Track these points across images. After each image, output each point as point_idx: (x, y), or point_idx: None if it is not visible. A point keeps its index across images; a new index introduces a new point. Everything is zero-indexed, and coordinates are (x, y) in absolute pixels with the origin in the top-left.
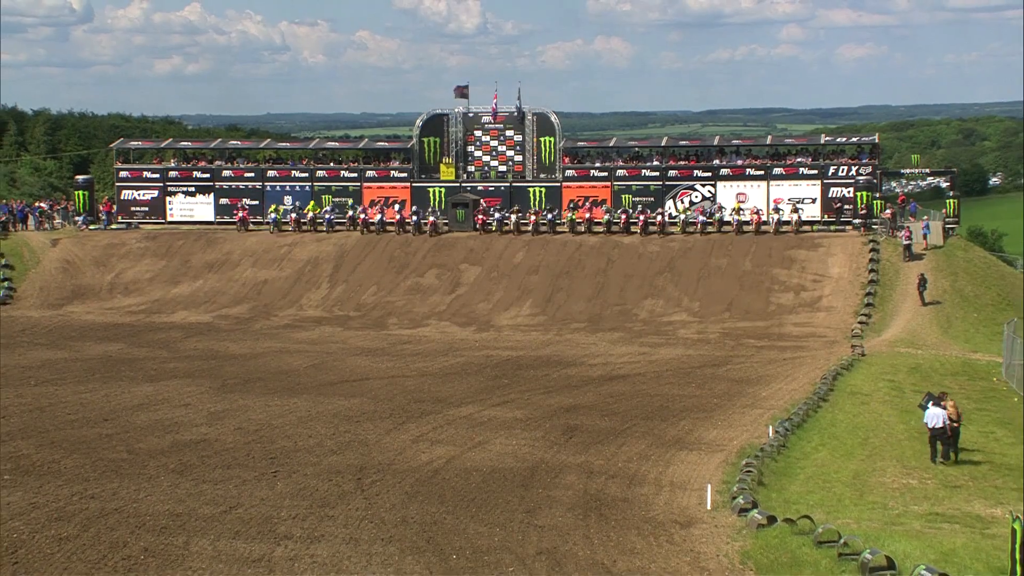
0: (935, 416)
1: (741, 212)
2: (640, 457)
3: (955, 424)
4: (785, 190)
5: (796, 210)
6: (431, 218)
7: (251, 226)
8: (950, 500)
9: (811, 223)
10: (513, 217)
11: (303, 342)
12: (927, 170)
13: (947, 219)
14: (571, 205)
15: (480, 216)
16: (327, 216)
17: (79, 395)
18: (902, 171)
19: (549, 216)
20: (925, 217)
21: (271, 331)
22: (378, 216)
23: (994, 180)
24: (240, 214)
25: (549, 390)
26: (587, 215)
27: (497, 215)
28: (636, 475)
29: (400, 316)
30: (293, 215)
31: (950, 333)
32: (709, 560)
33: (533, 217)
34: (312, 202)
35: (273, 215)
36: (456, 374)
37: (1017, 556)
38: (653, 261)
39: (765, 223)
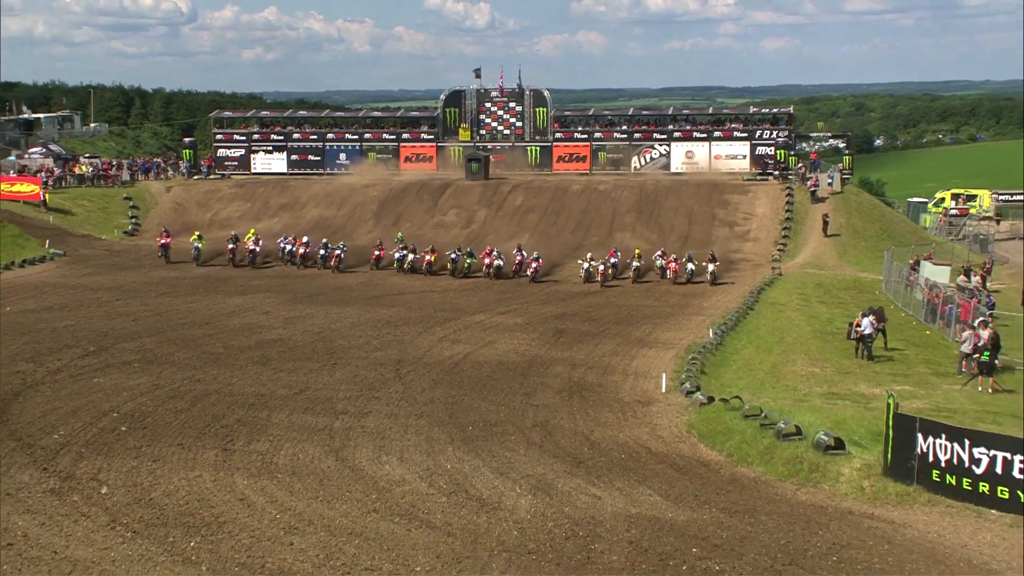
0: (867, 325)
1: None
2: (612, 353)
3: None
4: (723, 148)
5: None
6: (336, 252)
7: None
8: (843, 383)
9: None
10: None
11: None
12: (829, 134)
13: (844, 171)
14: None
15: None
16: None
17: (187, 304)
18: (810, 135)
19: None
20: (829, 170)
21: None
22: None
23: (878, 142)
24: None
25: (543, 302)
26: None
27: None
28: (608, 366)
29: (426, 245)
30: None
31: (845, 258)
32: (663, 430)
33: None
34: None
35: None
36: (470, 290)
37: (889, 423)
38: (623, 203)
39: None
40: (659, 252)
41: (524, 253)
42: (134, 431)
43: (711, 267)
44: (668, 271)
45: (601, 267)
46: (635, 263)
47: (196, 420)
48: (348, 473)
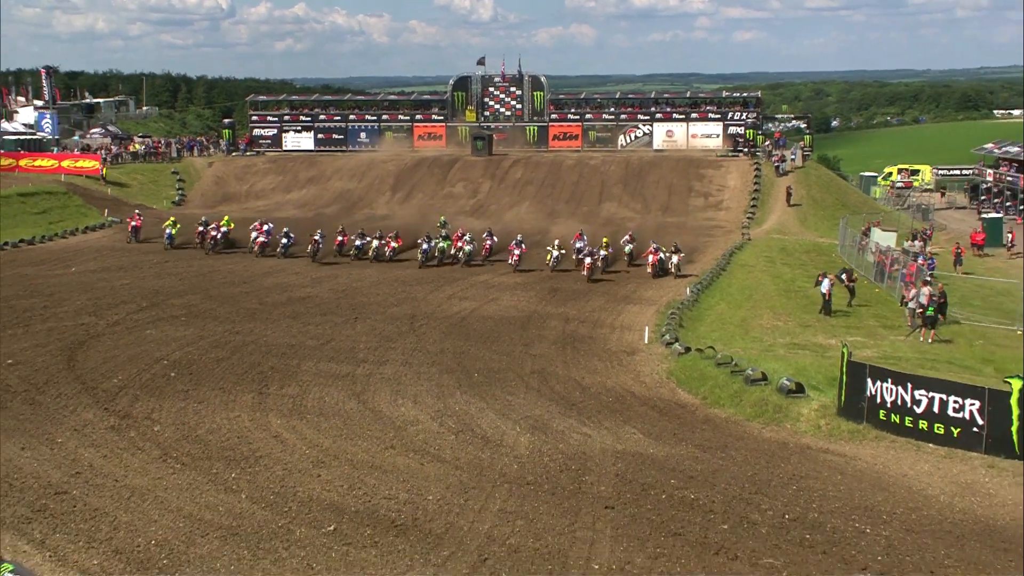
0: (826, 284)
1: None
2: (600, 309)
3: (847, 283)
4: (699, 128)
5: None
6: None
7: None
8: (803, 335)
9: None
10: None
11: (376, 229)
12: (792, 116)
13: (805, 148)
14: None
15: None
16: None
17: (227, 266)
18: (775, 116)
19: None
20: (791, 147)
21: (352, 223)
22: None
23: (834, 123)
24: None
25: (540, 264)
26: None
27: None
28: (598, 321)
29: (436, 214)
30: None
31: (805, 225)
32: (646, 376)
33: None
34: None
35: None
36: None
37: (843, 369)
38: (610, 176)
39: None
40: (627, 237)
41: (495, 238)
42: (182, 376)
43: (675, 258)
44: (647, 264)
45: (577, 256)
46: (602, 251)
47: (235, 367)
48: (368, 414)
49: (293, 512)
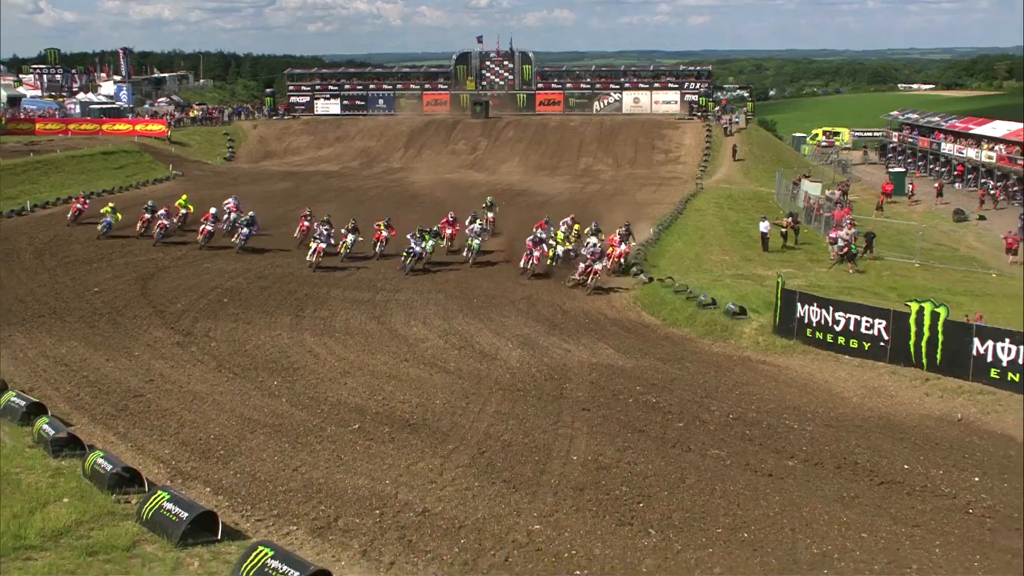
0: (763, 227)
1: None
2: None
3: (792, 225)
4: (660, 96)
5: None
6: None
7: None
8: (746, 267)
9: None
10: None
11: (390, 181)
12: (737, 86)
13: (747, 113)
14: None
15: None
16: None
17: (270, 210)
18: (723, 86)
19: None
20: (736, 112)
21: (372, 175)
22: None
23: (772, 93)
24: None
25: (527, 208)
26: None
27: None
28: (576, 258)
29: (442, 167)
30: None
31: (748, 177)
32: (616, 302)
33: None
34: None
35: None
36: (474, 198)
37: (778, 295)
38: (587, 136)
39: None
40: (570, 218)
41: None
42: (233, 302)
43: (623, 247)
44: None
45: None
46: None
47: (276, 294)
48: (386, 333)
49: (325, 413)
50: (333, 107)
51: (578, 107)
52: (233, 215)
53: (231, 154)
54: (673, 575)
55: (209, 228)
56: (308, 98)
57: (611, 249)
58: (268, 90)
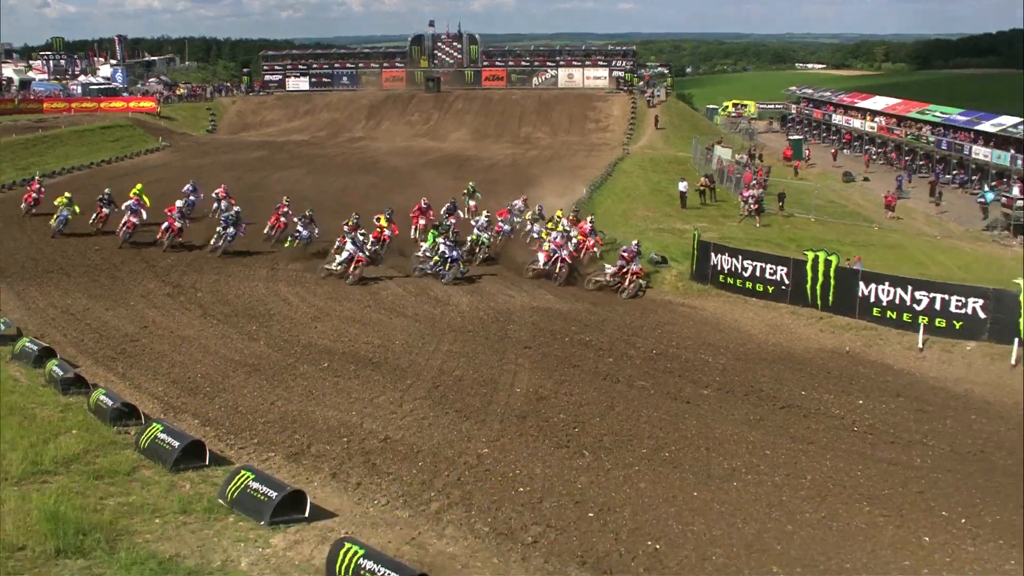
0: (682, 186)
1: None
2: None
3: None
4: (591, 72)
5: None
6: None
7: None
8: (667, 222)
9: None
10: None
11: (353, 149)
12: (658, 64)
13: (667, 88)
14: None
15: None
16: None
17: (246, 175)
18: (646, 64)
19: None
20: (657, 87)
21: (337, 144)
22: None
23: (688, 70)
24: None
25: (475, 171)
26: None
27: None
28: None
29: (399, 136)
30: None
31: (668, 143)
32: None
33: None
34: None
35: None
36: (431, 162)
37: (695, 246)
38: (527, 107)
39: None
40: (521, 200)
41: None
42: (215, 258)
43: (595, 237)
44: (580, 250)
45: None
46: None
47: (253, 252)
48: (352, 283)
49: (298, 353)
50: (303, 84)
51: (519, 82)
52: (224, 202)
53: (213, 126)
54: (604, 490)
55: (178, 224)
56: (280, 76)
57: (581, 239)
58: (245, 70)
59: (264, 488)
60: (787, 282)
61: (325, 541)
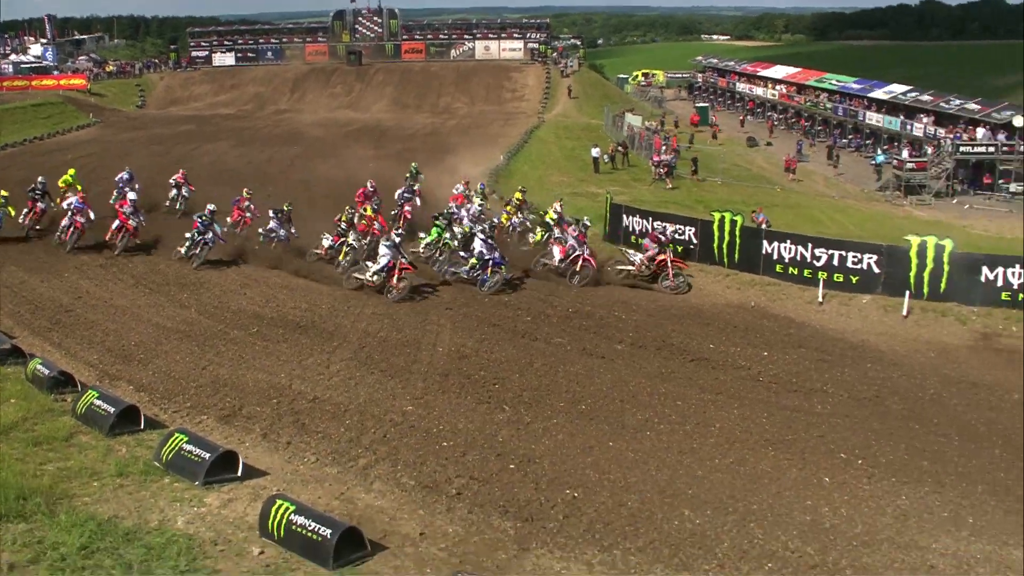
0: (595, 152)
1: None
2: (441, 171)
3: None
4: (507, 44)
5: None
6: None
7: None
8: (581, 186)
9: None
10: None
11: (279, 120)
12: (571, 36)
13: (580, 58)
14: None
15: None
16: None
17: (174, 148)
18: (560, 36)
19: None
20: (570, 57)
21: (263, 116)
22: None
23: (600, 41)
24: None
25: (398, 139)
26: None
27: None
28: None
29: (322, 108)
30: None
31: (581, 111)
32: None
33: None
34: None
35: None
36: (353, 133)
37: (607, 208)
38: (446, 79)
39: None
40: (463, 183)
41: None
42: (147, 233)
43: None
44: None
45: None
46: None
47: (184, 223)
48: (278, 251)
49: (228, 320)
50: (228, 59)
51: (438, 55)
52: (184, 189)
53: (142, 102)
54: (524, 442)
55: (132, 223)
56: (207, 52)
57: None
58: (172, 46)
59: (197, 450)
60: (695, 241)
61: (257, 499)
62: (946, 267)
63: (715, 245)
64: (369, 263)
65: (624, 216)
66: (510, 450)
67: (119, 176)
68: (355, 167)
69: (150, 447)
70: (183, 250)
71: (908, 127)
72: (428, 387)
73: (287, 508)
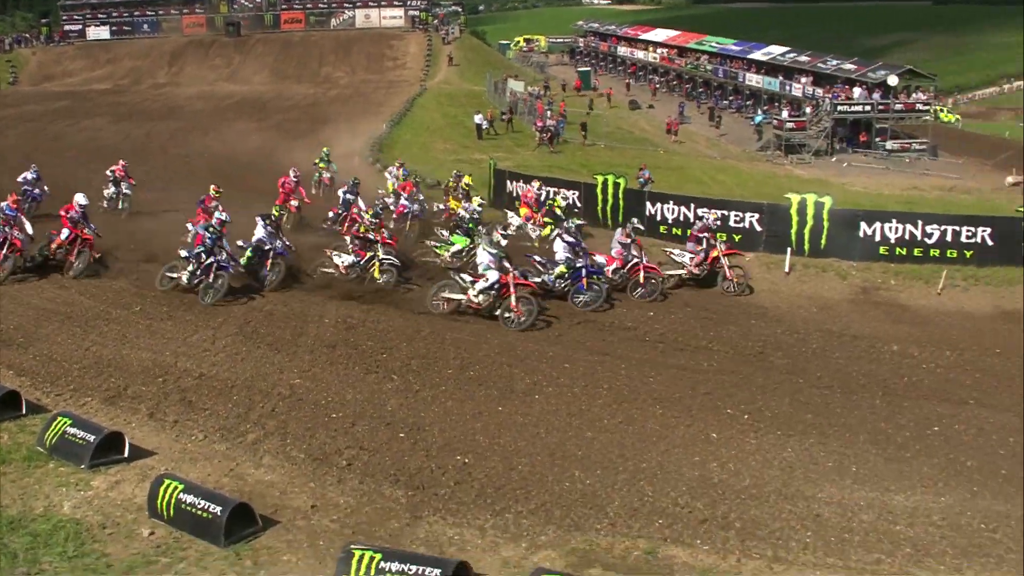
0: (478, 118)
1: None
2: (327, 140)
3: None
4: (387, 12)
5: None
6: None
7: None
8: (464, 153)
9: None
10: None
11: (157, 95)
12: (452, 2)
13: (461, 25)
14: None
15: None
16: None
17: (49, 125)
18: (440, 2)
19: None
20: (451, 24)
21: (141, 91)
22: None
23: (481, 8)
24: None
25: (279, 111)
26: None
27: None
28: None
29: (202, 81)
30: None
31: (463, 78)
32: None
33: None
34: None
35: None
36: (233, 105)
37: (491, 174)
38: (327, 48)
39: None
40: (396, 163)
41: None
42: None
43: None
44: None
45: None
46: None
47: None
48: (162, 229)
49: (109, 299)
50: (103, 33)
51: (318, 24)
52: (124, 184)
53: (14, 79)
54: (414, 411)
55: (88, 232)
56: (80, 26)
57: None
58: (44, 20)
59: (82, 432)
60: (580, 205)
61: (145, 479)
62: (826, 223)
63: (599, 207)
64: (465, 276)
65: (508, 181)
66: (400, 419)
67: (22, 176)
68: (236, 140)
69: (33, 432)
70: (183, 277)
71: (787, 87)
72: (315, 359)
73: (176, 487)
